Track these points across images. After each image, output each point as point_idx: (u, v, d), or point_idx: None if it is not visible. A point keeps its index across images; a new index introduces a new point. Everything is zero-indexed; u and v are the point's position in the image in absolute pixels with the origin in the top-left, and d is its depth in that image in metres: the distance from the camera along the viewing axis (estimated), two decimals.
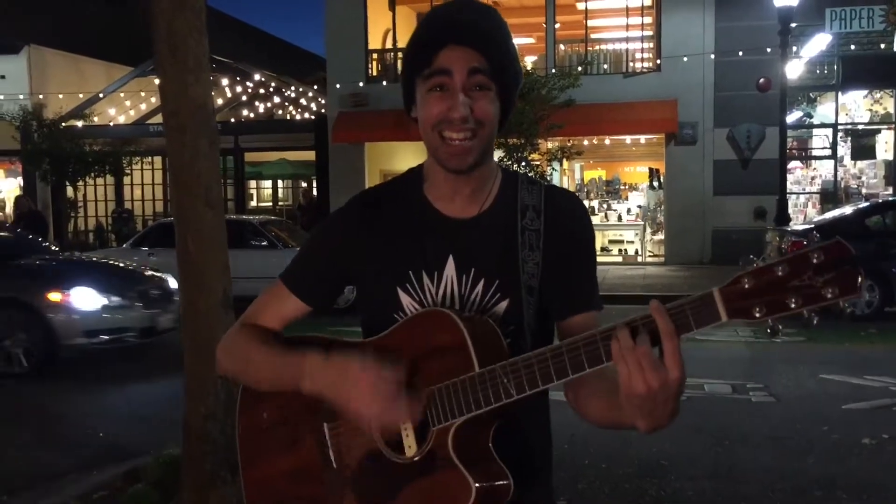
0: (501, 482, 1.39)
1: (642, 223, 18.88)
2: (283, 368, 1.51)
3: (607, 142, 20.59)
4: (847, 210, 12.24)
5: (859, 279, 1.14)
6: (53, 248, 10.97)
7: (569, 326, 1.52)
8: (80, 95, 20.46)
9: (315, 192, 21.00)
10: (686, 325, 1.22)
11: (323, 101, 20.64)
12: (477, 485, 1.35)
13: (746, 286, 1.19)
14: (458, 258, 1.51)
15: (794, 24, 14.32)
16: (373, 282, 1.57)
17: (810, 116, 18.67)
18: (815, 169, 18.81)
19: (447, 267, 1.51)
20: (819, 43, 16.81)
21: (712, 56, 17.11)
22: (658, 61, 17.75)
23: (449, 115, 1.42)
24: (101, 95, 20.63)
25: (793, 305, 1.16)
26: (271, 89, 22.24)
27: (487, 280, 1.50)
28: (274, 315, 1.62)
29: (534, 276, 1.50)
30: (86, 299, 8.41)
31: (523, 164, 14.49)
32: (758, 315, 1.18)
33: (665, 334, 1.21)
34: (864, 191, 17.90)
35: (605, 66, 18.79)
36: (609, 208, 21.36)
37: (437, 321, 1.40)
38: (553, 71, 16.55)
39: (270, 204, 25.40)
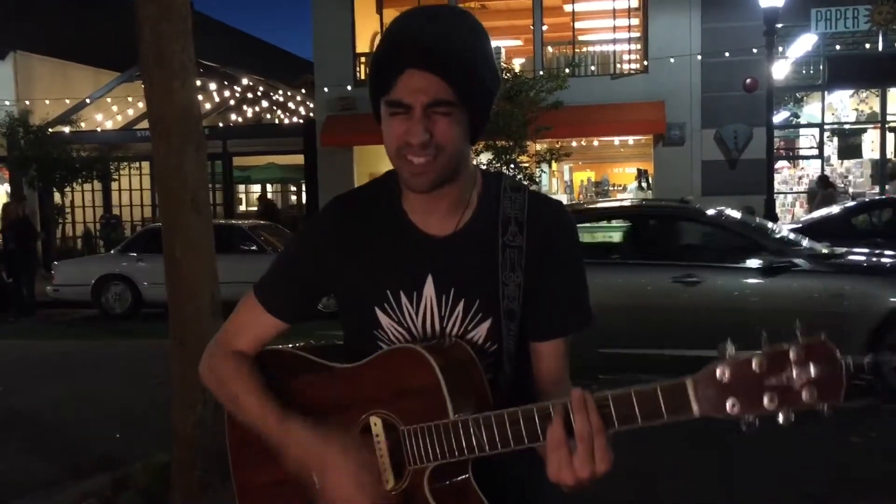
0: None
1: None
2: (266, 427, 1.48)
3: (596, 143, 20.64)
4: (834, 209, 12.29)
5: (843, 386, 1.09)
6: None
7: (538, 350, 1.50)
8: (67, 101, 20.37)
9: (270, 196, 20.85)
10: (657, 413, 1.19)
11: (311, 105, 20.62)
12: None
13: (721, 379, 1.14)
14: (438, 278, 1.46)
15: (779, 25, 14.38)
16: (351, 299, 1.53)
17: (797, 116, 18.77)
18: (802, 168, 18.91)
19: (426, 287, 1.46)
20: (805, 43, 16.90)
21: (699, 57, 17.19)
22: (645, 63, 17.81)
23: (408, 139, 1.35)
24: (87, 101, 20.55)
25: (767, 405, 1.12)
26: (259, 93, 22.19)
27: (468, 301, 1.45)
28: (251, 338, 1.58)
29: (514, 300, 1.44)
30: None
31: (512, 166, 14.51)
32: (731, 412, 1.14)
33: (594, 433, 1.21)
34: (850, 190, 17.99)
35: (593, 68, 18.85)
36: None
37: (410, 358, 1.36)
38: (541, 73, 16.58)
39: (257, 210, 25.31)
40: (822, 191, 15.30)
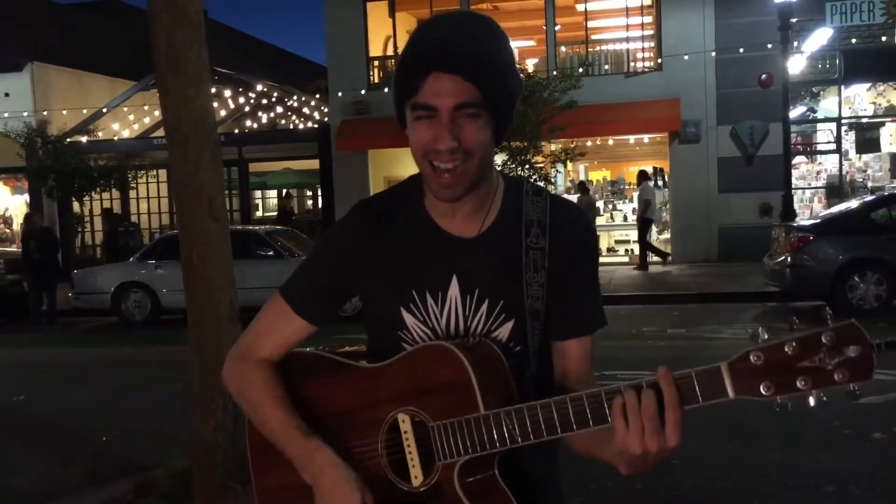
0: None
1: None
2: (286, 445, 1.50)
3: (611, 142, 20.58)
4: (853, 204, 12.19)
5: (873, 365, 1.14)
6: None
7: (564, 349, 1.51)
8: (84, 111, 20.53)
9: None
10: (692, 397, 1.22)
11: (325, 110, 20.69)
12: None
13: (755, 363, 1.19)
14: (462, 279, 1.48)
15: (794, 20, 14.30)
16: (376, 300, 1.54)
17: (814, 111, 18.63)
18: (819, 163, 18.77)
19: (451, 287, 1.49)
20: (820, 37, 16.78)
21: (713, 53, 17.10)
22: (659, 60, 17.74)
23: (436, 145, 1.36)
24: (104, 110, 20.71)
25: (801, 386, 1.16)
26: (273, 99, 22.29)
27: (492, 301, 1.48)
28: (277, 342, 1.58)
29: (538, 299, 1.47)
30: None
31: (527, 166, 14.49)
32: (765, 393, 1.18)
33: (670, 405, 1.22)
34: (869, 184, 17.83)
35: (607, 67, 18.78)
36: (614, 208, 21.33)
37: (440, 355, 1.38)
38: (554, 73, 16.55)
39: (276, 214, 25.45)
40: (583, 196, 16.11)
